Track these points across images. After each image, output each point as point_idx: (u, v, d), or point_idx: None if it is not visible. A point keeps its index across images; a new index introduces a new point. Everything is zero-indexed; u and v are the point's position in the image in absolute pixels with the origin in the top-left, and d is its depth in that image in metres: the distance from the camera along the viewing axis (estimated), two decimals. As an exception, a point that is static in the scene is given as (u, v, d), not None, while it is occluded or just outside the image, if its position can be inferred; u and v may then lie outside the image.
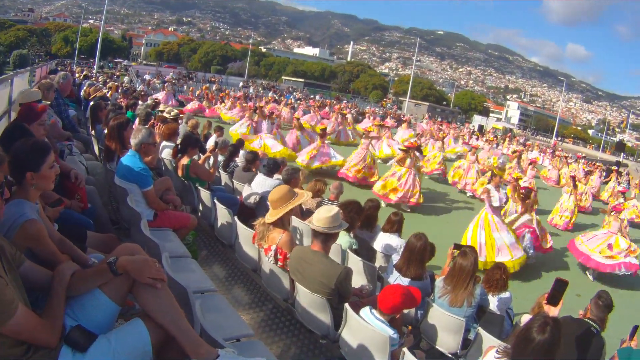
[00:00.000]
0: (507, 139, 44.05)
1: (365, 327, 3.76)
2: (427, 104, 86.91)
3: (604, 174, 29.77)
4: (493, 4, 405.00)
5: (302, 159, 16.49)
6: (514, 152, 23.56)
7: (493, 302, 5.65)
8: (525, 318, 5.26)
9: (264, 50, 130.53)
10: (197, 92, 35.10)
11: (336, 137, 25.10)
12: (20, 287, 2.41)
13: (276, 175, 7.63)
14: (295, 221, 6.39)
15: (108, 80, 29.00)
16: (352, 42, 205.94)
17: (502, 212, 10.79)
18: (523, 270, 9.88)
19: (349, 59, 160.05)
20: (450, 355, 4.90)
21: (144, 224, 4.31)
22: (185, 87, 42.68)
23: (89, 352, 2.45)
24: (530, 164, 18.65)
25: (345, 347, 4.05)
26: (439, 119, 54.34)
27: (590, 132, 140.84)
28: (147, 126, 7.03)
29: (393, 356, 3.67)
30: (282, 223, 4.88)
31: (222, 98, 32.33)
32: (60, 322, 2.46)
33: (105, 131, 6.72)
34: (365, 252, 6.69)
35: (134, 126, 6.54)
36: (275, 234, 4.77)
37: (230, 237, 6.08)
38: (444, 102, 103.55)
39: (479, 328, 4.56)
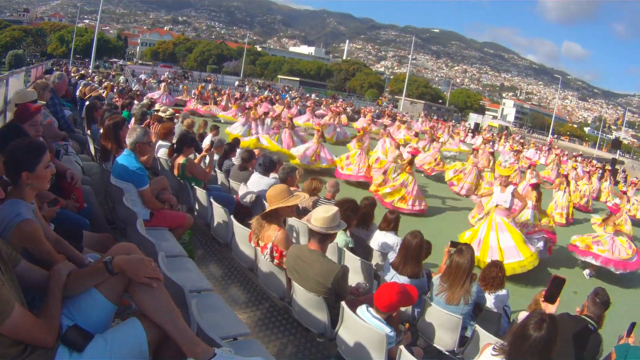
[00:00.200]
0: (503, 137, 44.03)
1: (362, 325, 3.76)
2: (423, 102, 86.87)
3: (600, 172, 29.80)
4: (489, 2, 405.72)
5: (299, 156, 16.55)
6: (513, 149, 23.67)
7: (490, 299, 5.65)
8: (522, 315, 5.27)
9: (259, 49, 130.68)
10: (193, 91, 34.99)
11: (336, 139, 25.17)
12: (16, 287, 2.40)
13: (272, 174, 7.62)
14: (291, 219, 6.39)
15: (104, 80, 28.92)
16: (347, 41, 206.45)
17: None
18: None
19: (344, 58, 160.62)
20: (447, 353, 4.90)
21: (140, 223, 4.30)
22: (181, 86, 42.56)
23: (85, 351, 2.45)
24: (529, 167, 18.47)
25: (342, 346, 4.05)
26: (435, 117, 54.33)
27: (586, 129, 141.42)
28: (142, 125, 7.03)
29: (390, 354, 3.67)
30: (277, 220, 4.88)
31: (215, 98, 32.13)
32: (57, 321, 2.45)
33: (101, 131, 6.72)
34: (362, 250, 6.69)
35: (129, 126, 6.53)
36: (270, 232, 4.77)
37: (226, 236, 6.07)
38: (440, 100, 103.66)
39: (476, 325, 4.56)
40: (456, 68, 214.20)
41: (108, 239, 4.08)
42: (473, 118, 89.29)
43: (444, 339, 4.89)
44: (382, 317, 3.83)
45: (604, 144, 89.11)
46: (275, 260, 4.69)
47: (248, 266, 5.53)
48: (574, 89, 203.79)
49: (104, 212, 5.94)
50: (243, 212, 6.55)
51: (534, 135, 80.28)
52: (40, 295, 2.62)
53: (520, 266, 9.45)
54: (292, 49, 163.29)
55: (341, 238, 6.08)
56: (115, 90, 19.69)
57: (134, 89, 28.26)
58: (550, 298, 3.81)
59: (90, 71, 41.52)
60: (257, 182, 7.20)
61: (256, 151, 9.71)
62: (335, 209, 4.31)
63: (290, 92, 56.10)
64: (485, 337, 4.34)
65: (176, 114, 12.64)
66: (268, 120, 19.76)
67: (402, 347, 3.56)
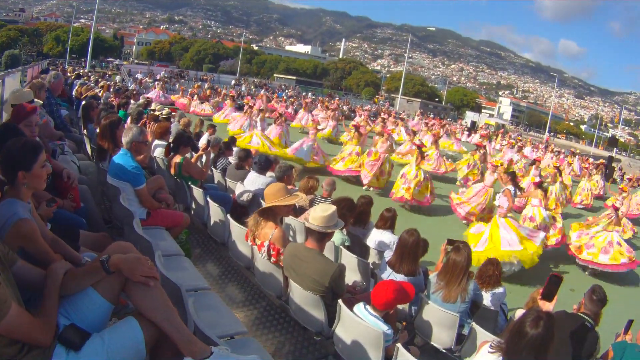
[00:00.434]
0: (500, 135, 44.08)
1: (359, 323, 3.77)
2: (420, 100, 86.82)
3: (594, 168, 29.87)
4: (485, 1, 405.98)
5: (294, 150, 16.63)
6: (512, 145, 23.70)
7: (487, 297, 5.67)
8: (519, 313, 5.26)
9: (255, 48, 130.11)
10: (190, 90, 34.97)
11: (335, 136, 25.21)
12: (13, 286, 2.40)
13: (269, 173, 7.63)
14: (288, 218, 6.39)
15: (100, 80, 28.88)
16: (344, 39, 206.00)
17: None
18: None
19: (341, 56, 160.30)
20: (444, 351, 4.91)
21: (137, 222, 4.30)
22: (177, 85, 42.55)
23: (82, 350, 2.45)
24: (533, 162, 18.37)
25: (340, 344, 4.05)
26: (431, 116, 54.34)
27: (582, 127, 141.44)
28: (138, 125, 7.02)
29: (387, 352, 3.67)
30: (274, 218, 4.88)
31: (208, 97, 32.06)
32: (53, 321, 2.45)
33: (97, 130, 6.70)
34: (359, 248, 6.70)
35: (125, 125, 6.53)
36: (267, 230, 4.77)
37: (223, 235, 6.07)
38: (437, 99, 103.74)
39: (473, 323, 4.57)
40: (453, 66, 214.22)
41: (105, 239, 4.08)
42: (470, 116, 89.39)
43: (441, 337, 4.90)
44: (379, 315, 3.83)
45: (600, 142, 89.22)
46: (273, 259, 4.69)
47: (245, 265, 5.53)
48: (571, 87, 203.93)
49: (101, 212, 5.93)
50: (240, 211, 6.56)
51: (530, 134, 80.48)
52: (37, 294, 2.61)
53: (518, 254, 9.52)
54: (288, 47, 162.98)
55: (338, 236, 6.08)
56: (111, 89, 19.68)
57: (130, 88, 28.21)
58: (548, 296, 3.82)
59: (86, 71, 41.39)
60: (253, 181, 7.21)
61: (252, 150, 9.72)
62: (333, 207, 4.32)
63: (286, 91, 56.07)
64: (483, 335, 4.36)
65: (172, 113, 12.64)
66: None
67: (399, 345, 3.56)
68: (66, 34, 73.67)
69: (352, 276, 5.61)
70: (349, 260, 5.76)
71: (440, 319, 4.82)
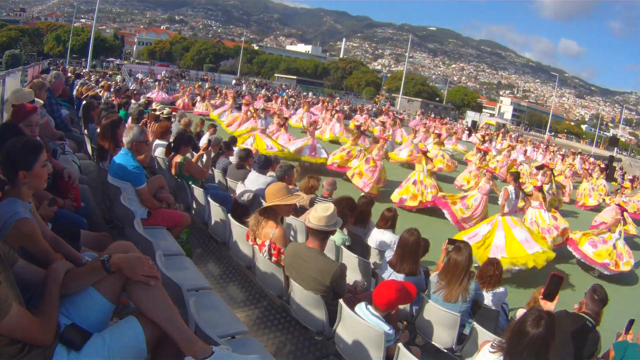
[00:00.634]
0: (501, 135, 44.00)
1: (360, 323, 3.76)
2: (420, 100, 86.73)
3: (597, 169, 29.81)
4: (485, 1, 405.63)
5: (296, 150, 16.70)
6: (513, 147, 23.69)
7: (488, 297, 5.66)
8: (520, 313, 5.26)
9: (256, 47, 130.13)
10: (189, 88, 34.96)
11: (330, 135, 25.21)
12: (14, 285, 2.40)
13: (270, 172, 7.63)
14: (289, 217, 6.39)
15: (100, 80, 28.87)
16: (344, 39, 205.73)
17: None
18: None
19: (341, 56, 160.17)
20: (445, 351, 4.91)
21: (138, 222, 4.31)
22: (177, 85, 42.54)
23: (83, 350, 2.45)
24: (541, 167, 17.96)
25: (341, 344, 4.05)
26: (432, 115, 54.30)
27: (583, 127, 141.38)
28: (139, 124, 7.02)
29: (388, 352, 3.67)
30: (275, 217, 4.88)
31: (208, 96, 32.02)
32: (54, 320, 2.45)
33: (98, 130, 6.71)
34: (359, 248, 6.70)
35: (126, 125, 6.52)
36: (268, 229, 4.76)
37: (224, 234, 6.07)
38: (437, 98, 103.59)
39: (474, 323, 4.57)
40: (453, 66, 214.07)
41: (105, 238, 4.07)
42: (470, 116, 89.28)
43: (442, 337, 4.90)
44: (380, 315, 3.83)
45: (601, 141, 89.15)
46: (273, 258, 4.69)
47: (246, 264, 5.53)
48: (571, 87, 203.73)
49: (102, 211, 5.94)
50: (240, 210, 6.56)
51: (531, 133, 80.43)
52: (37, 294, 2.61)
53: (542, 257, 9.50)
54: (289, 47, 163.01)
55: (338, 236, 6.09)
56: (112, 89, 19.68)
57: (130, 88, 28.22)
58: (549, 296, 3.80)
59: (87, 71, 41.35)
60: (254, 180, 7.21)
61: (253, 149, 9.73)
62: (333, 206, 4.32)
63: (287, 91, 56.05)
64: (484, 335, 4.35)
65: (173, 113, 12.64)
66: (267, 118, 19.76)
67: (400, 344, 3.56)
68: (67, 34, 73.68)
69: (353, 276, 5.61)
70: (350, 260, 5.76)
71: (441, 318, 4.82)
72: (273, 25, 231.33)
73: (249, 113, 21.37)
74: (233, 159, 9.47)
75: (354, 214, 6.60)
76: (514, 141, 37.41)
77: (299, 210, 6.92)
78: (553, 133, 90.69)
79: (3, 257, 2.39)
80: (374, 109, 52.63)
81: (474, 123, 64.59)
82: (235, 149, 10.34)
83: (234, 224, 5.60)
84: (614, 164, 41.46)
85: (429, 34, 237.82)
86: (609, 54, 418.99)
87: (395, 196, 14.19)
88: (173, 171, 7.26)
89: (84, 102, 10.74)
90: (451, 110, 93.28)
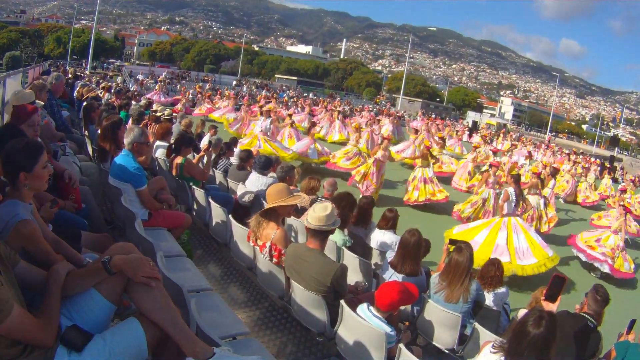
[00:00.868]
0: (501, 135, 43.98)
1: (361, 324, 3.76)
2: (421, 100, 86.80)
3: (598, 169, 29.80)
4: (486, 1, 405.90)
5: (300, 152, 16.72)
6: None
7: (489, 297, 5.66)
8: (522, 313, 5.26)
9: (256, 48, 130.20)
10: (189, 92, 34.97)
11: (331, 135, 25.22)
12: (15, 287, 2.40)
13: (271, 173, 7.63)
14: (290, 218, 6.39)
15: (101, 81, 28.87)
16: (345, 40, 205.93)
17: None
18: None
19: (342, 57, 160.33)
20: (447, 351, 4.91)
21: (139, 223, 4.31)
22: (178, 86, 42.55)
23: (84, 351, 2.45)
24: (550, 174, 17.37)
25: (342, 345, 4.05)
26: (433, 116, 54.30)
27: (584, 127, 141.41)
28: (140, 126, 7.02)
29: (390, 352, 3.67)
30: (276, 218, 4.87)
31: (210, 97, 31.97)
32: (55, 321, 2.45)
33: (99, 131, 6.71)
34: (361, 248, 6.69)
35: (127, 126, 6.52)
36: (269, 231, 4.76)
37: (225, 235, 6.07)
38: (438, 99, 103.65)
39: (475, 323, 4.56)
40: (454, 66, 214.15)
41: (106, 239, 4.07)
42: (471, 116, 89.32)
43: (444, 337, 4.89)
44: (382, 316, 3.83)
45: (602, 141, 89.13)
46: (274, 259, 4.69)
47: (247, 265, 5.53)
48: (572, 87, 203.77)
49: (102, 213, 5.93)
50: (241, 211, 6.55)
51: (532, 133, 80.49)
52: (39, 295, 2.62)
53: (535, 268, 9.43)
54: (289, 48, 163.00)
55: (339, 237, 6.09)
56: (112, 91, 19.66)
57: (131, 89, 28.22)
58: (552, 297, 3.80)
59: (88, 72, 41.37)
60: (255, 181, 7.21)
61: (254, 151, 9.73)
62: (331, 205, 4.32)
63: (288, 92, 56.08)
64: (485, 335, 4.35)
65: (174, 114, 12.65)
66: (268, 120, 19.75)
67: (401, 345, 3.56)
68: (67, 35, 73.67)
69: (354, 277, 5.61)
70: (351, 260, 5.76)
71: (442, 319, 4.81)
72: (273, 26, 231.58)
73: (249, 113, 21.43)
74: (234, 160, 9.48)
75: (356, 213, 6.63)
76: (514, 141, 37.45)
77: (299, 211, 6.91)
78: (554, 133, 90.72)
79: (4, 258, 2.39)
80: (375, 109, 52.65)
81: (475, 123, 64.51)
82: (236, 150, 10.35)
83: (235, 225, 5.60)
84: (615, 164, 41.43)
85: (430, 34, 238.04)
86: (609, 53, 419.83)
87: (409, 198, 14.36)
88: (174, 172, 7.27)
89: (85, 103, 10.73)
90: (452, 111, 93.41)
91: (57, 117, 8.15)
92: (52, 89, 8.49)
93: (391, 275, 5.33)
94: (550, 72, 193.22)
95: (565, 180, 21.09)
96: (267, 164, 7.49)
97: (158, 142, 8.42)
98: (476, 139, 32.77)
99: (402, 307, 4.74)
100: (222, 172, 8.74)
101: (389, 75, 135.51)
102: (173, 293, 3.03)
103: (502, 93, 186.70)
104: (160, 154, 8.24)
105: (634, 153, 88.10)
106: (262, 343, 3.72)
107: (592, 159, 37.09)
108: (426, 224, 12.49)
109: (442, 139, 22.44)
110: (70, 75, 26.00)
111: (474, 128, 52.81)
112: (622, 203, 13.21)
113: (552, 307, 3.72)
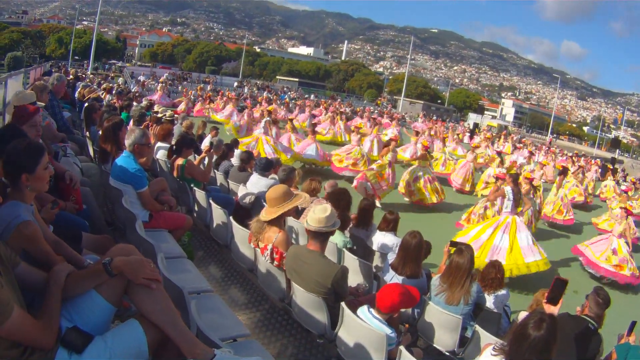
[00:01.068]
0: (503, 137, 43.92)
1: (362, 326, 3.76)
2: (422, 102, 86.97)
3: (600, 170, 29.80)
4: (487, 2, 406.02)
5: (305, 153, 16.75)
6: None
7: (489, 300, 5.65)
8: (522, 315, 5.26)
9: (258, 50, 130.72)
10: (191, 92, 34.95)
11: (332, 135, 25.20)
12: (15, 288, 2.40)
13: (272, 175, 7.62)
14: (290, 220, 6.39)
15: (102, 82, 28.87)
16: (346, 41, 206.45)
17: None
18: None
19: (343, 58, 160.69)
20: (447, 353, 4.90)
21: (139, 225, 4.31)
22: (180, 87, 42.58)
23: (85, 353, 2.45)
24: (564, 172, 16.91)
25: (342, 347, 4.04)
26: (434, 118, 54.28)
27: (585, 129, 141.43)
28: (141, 127, 7.02)
29: (390, 355, 3.66)
30: (278, 222, 4.86)
31: (210, 98, 31.89)
32: (56, 323, 2.45)
33: (100, 133, 6.71)
34: (362, 250, 6.69)
35: (128, 127, 6.53)
36: (271, 233, 4.76)
37: (226, 237, 6.06)
38: (439, 101, 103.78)
39: (476, 326, 4.56)
40: (455, 68, 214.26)
41: (107, 241, 4.07)
42: (472, 118, 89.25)
43: (444, 340, 4.88)
44: (383, 318, 3.83)
45: (603, 143, 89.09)
46: (276, 262, 4.68)
47: (247, 267, 5.52)
48: (573, 89, 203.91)
49: (103, 214, 5.94)
50: (242, 213, 6.54)
51: (533, 135, 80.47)
52: (39, 297, 2.61)
53: (539, 265, 9.43)
54: (290, 49, 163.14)
55: (339, 239, 6.08)
56: (114, 92, 19.67)
57: (132, 90, 28.23)
58: (553, 300, 3.79)
59: (89, 73, 41.38)
60: (256, 183, 7.21)
61: (254, 152, 9.74)
62: (330, 207, 4.31)
63: (289, 93, 56.13)
64: (486, 337, 4.34)
65: (175, 115, 12.66)
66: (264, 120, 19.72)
67: (402, 347, 3.56)
68: (69, 36, 73.89)
69: (354, 278, 5.60)
70: (352, 262, 5.75)
71: (443, 321, 4.81)
72: (275, 27, 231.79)
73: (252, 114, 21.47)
74: (235, 161, 9.48)
75: (357, 215, 6.63)
76: (516, 143, 37.45)
77: (300, 213, 6.91)
78: (555, 135, 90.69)
79: (5, 259, 2.39)
80: (376, 111, 52.66)
81: (476, 125, 64.50)
82: (237, 151, 10.35)
83: (236, 227, 5.60)
84: (616, 166, 41.39)
85: (431, 36, 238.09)
86: (610, 55, 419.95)
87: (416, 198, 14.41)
88: (175, 174, 7.27)
89: (86, 104, 10.74)
90: (453, 113, 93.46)
91: (58, 118, 8.16)
92: (53, 89, 8.50)
93: (392, 277, 5.32)
94: (552, 74, 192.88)
95: (574, 185, 20.93)
96: (268, 166, 7.49)
97: (159, 144, 8.43)
98: (477, 140, 32.74)
99: (402, 309, 4.74)
100: (223, 174, 8.74)
101: (390, 77, 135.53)
102: (174, 294, 3.03)
103: (503, 95, 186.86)
104: (161, 155, 8.24)
105: (635, 155, 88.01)
106: (262, 345, 3.72)
107: (593, 161, 37.08)
108: (427, 226, 12.47)
109: (444, 139, 22.53)
110: (71, 76, 25.98)
111: (474, 130, 52.78)
112: (623, 205, 13.17)
113: (553, 309, 3.71)
